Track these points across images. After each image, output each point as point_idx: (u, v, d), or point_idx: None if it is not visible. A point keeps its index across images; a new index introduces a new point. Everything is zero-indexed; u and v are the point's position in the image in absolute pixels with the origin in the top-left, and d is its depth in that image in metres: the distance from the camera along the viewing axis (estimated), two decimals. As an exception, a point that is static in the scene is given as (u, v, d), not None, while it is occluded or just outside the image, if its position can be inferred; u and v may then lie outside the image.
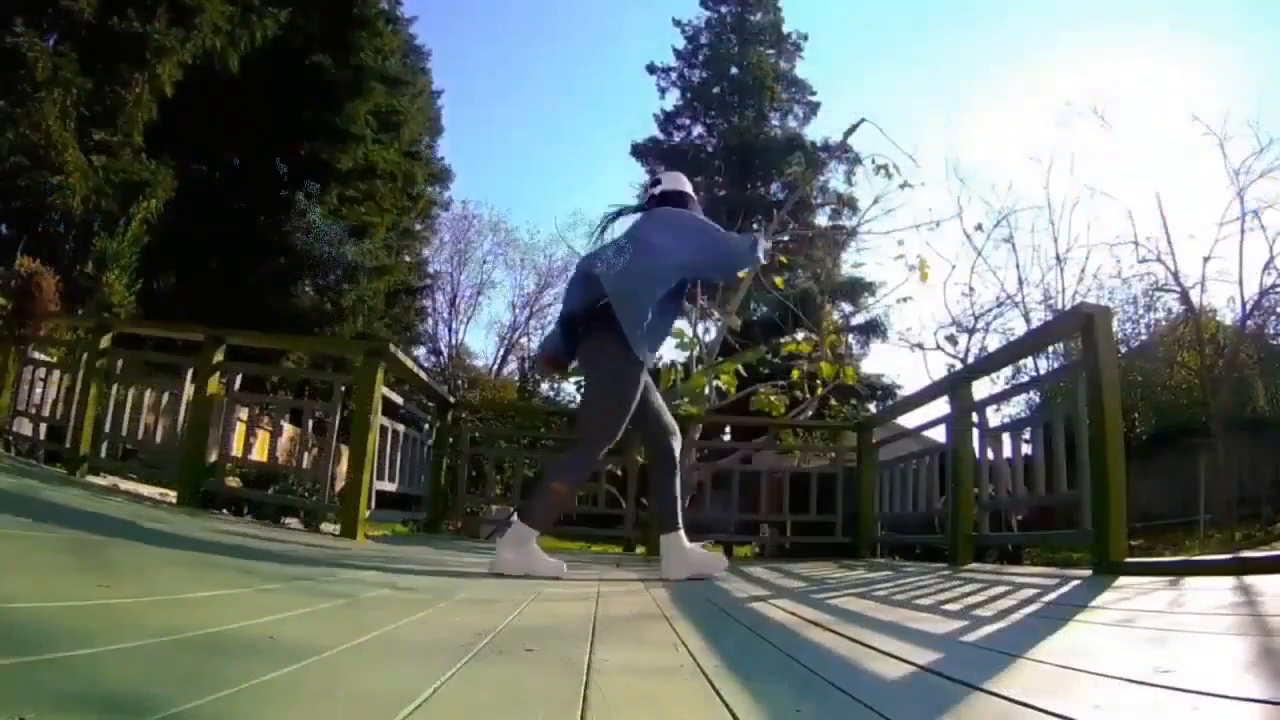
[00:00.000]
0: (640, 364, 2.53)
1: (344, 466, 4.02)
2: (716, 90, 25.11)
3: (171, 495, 3.92)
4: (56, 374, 4.47)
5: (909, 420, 5.44)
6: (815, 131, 24.38)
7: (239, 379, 4.09)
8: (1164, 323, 13.43)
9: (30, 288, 4.58)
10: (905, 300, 13.70)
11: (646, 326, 2.50)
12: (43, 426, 4.42)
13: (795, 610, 1.83)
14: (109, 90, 10.78)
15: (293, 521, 4.73)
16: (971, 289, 12.36)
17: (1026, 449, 3.35)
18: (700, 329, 7.48)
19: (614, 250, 2.61)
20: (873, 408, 17.70)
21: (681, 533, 2.61)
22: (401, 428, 4.44)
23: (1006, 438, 3.44)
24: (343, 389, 4.01)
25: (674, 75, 25.75)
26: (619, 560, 4.32)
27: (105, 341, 4.18)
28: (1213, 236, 10.87)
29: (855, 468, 4.98)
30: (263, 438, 5.71)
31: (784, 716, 0.84)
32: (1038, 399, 11.06)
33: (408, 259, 20.42)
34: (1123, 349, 12.94)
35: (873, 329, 21.46)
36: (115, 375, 4.12)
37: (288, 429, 8.69)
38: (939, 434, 4.14)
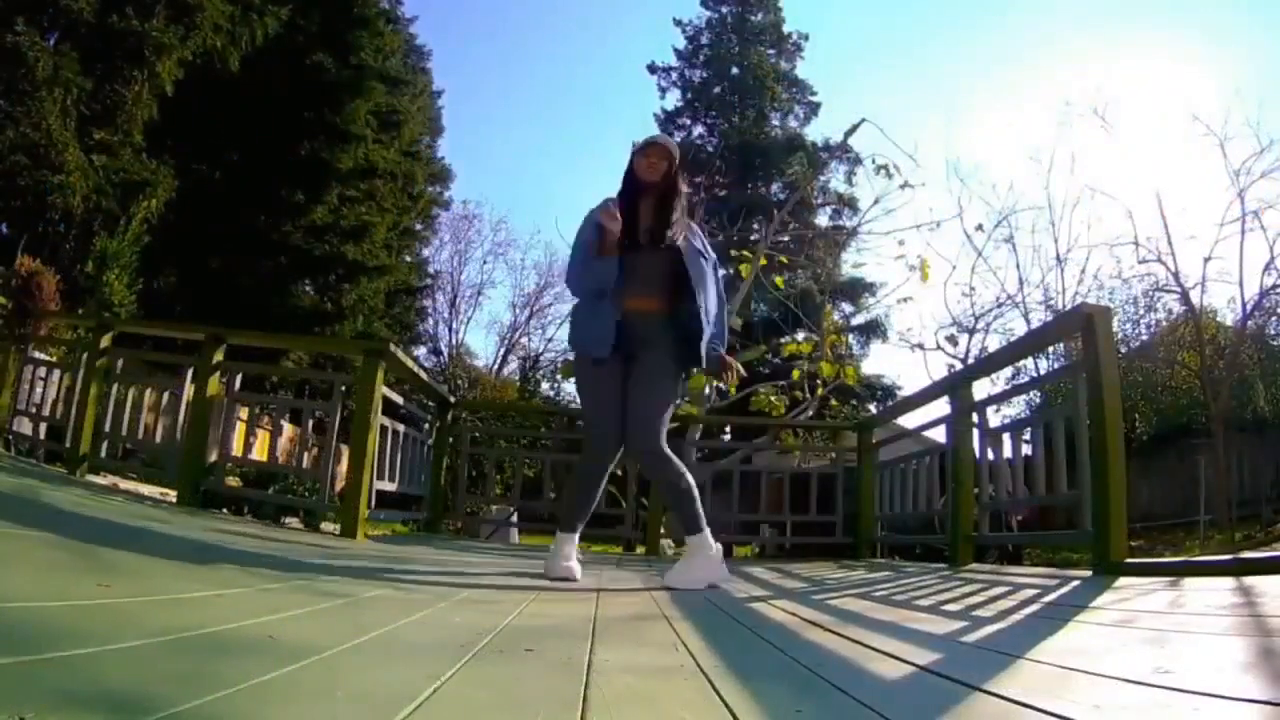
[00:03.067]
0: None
1: (344, 466, 4.02)
2: (717, 90, 25.10)
3: (171, 495, 3.92)
4: (56, 373, 4.47)
5: (909, 420, 5.44)
6: (816, 131, 24.41)
7: (239, 379, 4.08)
8: (1164, 323, 13.44)
9: (30, 287, 4.57)
10: (905, 300, 13.71)
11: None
12: (43, 426, 4.42)
13: (795, 610, 1.83)
14: (109, 89, 10.78)
15: (293, 521, 4.72)
16: (972, 289, 12.38)
17: (1026, 449, 3.35)
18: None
19: None
20: (873, 408, 17.73)
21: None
22: (401, 427, 4.43)
23: (1006, 438, 3.44)
24: (343, 388, 4.01)
25: (674, 75, 25.77)
26: (619, 560, 4.32)
27: (105, 341, 4.18)
28: (1213, 237, 10.90)
29: (855, 468, 4.97)
30: (263, 437, 5.71)
31: (784, 717, 0.84)
32: (1038, 399, 11.08)
33: (408, 259, 20.45)
34: (1123, 349, 12.96)
35: (873, 329, 21.46)
36: (115, 375, 4.12)
37: (288, 429, 8.69)
38: (939, 434, 4.13)
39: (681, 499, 2.40)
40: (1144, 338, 13.78)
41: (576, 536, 2.52)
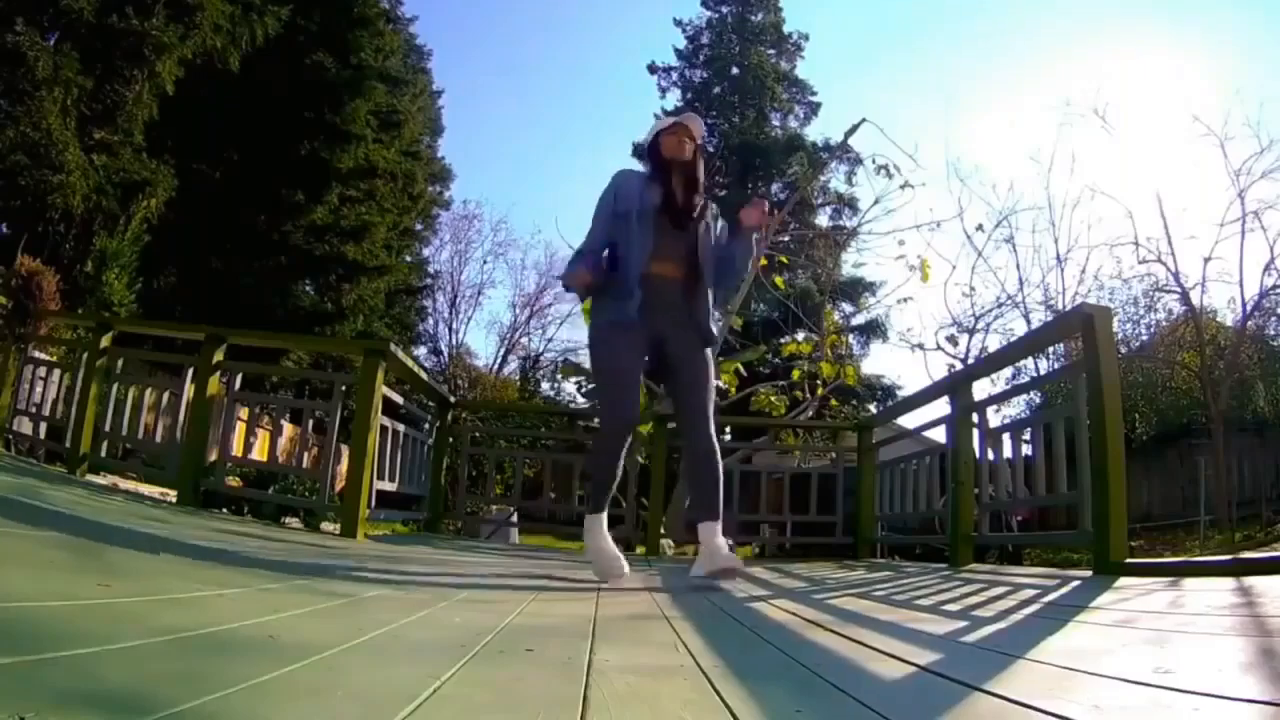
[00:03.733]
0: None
1: (344, 466, 4.02)
2: (717, 90, 25.12)
3: (171, 495, 3.92)
4: (56, 373, 4.47)
5: (909, 420, 5.44)
6: (816, 131, 24.43)
7: (239, 378, 4.08)
8: (1164, 323, 13.44)
9: (30, 287, 4.58)
10: (905, 300, 13.67)
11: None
12: (43, 425, 4.42)
13: (795, 610, 1.82)
14: (109, 89, 10.77)
15: (293, 521, 4.72)
16: (972, 289, 12.41)
17: (1026, 449, 3.35)
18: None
19: None
20: (873, 408, 17.74)
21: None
22: (402, 427, 4.44)
23: (1006, 438, 3.44)
24: (343, 388, 4.01)
25: (675, 75, 25.79)
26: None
27: (105, 341, 4.18)
28: (1213, 237, 10.91)
29: (855, 468, 4.98)
30: (263, 437, 5.72)
31: (784, 717, 0.84)
32: (1038, 399, 11.08)
33: (408, 259, 20.45)
34: (1123, 349, 12.95)
35: (873, 329, 21.45)
36: (115, 374, 4.12)
37: (288, 428, 8.72)
38: (939, 434, 4.13)
39: (720, 485, 2.43)
40: (1144, 338, 13.79)
41: (606, 516, 2.54)
